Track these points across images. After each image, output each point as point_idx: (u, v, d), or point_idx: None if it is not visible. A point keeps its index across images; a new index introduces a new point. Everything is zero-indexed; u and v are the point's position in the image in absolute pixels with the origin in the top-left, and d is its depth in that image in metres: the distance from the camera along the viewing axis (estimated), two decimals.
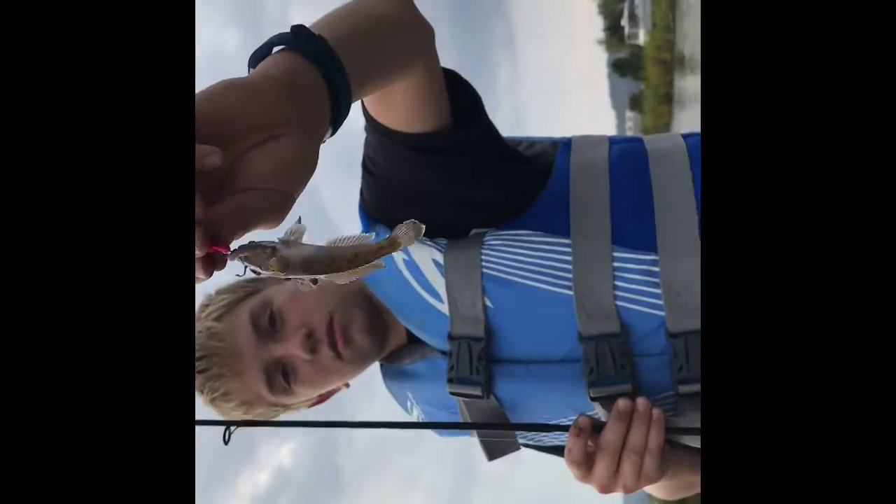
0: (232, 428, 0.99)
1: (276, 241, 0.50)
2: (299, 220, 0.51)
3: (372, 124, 0.89)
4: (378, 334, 1.08)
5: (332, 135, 0.57)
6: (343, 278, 0.51)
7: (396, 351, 1.13)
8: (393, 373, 1.15)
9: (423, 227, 0.53)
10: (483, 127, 0.95)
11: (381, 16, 0.71)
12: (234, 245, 0.49)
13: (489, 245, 0.96)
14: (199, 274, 0.49)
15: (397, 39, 0.75)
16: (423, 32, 0.80)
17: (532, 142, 1.07)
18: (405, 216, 0.95)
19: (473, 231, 0.99)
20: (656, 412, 0.90)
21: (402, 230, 0.53)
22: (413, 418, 1.16)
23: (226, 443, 1.01)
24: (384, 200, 0.99)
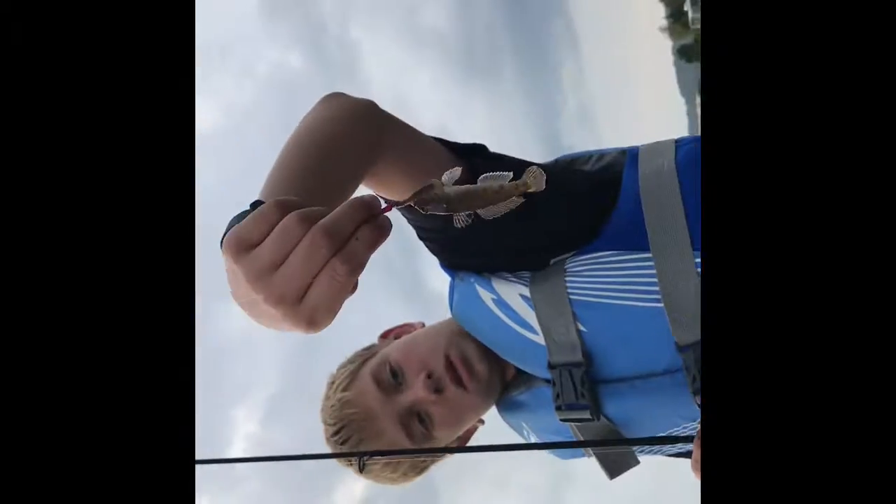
0: (365, 458, 1.04)
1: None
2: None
3: (391, 205, 0.93)
4: (495, 360, 1.11)
5: None
6: (490, 212, 0.59)
7: (510, 382, 1.16)
8: (506, 404, 1.17)
9: (542, 172, 0.58)
10: (505, 164, 0.98)
11: (323, 149, 0.76)
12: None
13: (572, 272, 0.98)
14: (379, 239, 0.52)
15: (345, 159, 0.78)
16: (364, 133, 0.83)
17: (601, 154, 1.09)
18: (481, 261, 1.04)
19: (553, 260, 1.01)
20: None
21: (532, 176, 0.59)
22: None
23: (361, 471, 1.08)
24: (453, 255, 1.04)
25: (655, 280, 0.93)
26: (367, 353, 1.16)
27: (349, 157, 0.79)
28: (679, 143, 1.04)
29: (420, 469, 1.17)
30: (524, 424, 1.16)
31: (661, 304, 0.93)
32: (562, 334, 0.99)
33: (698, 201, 0.94)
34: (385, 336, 1.22)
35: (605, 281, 0.96)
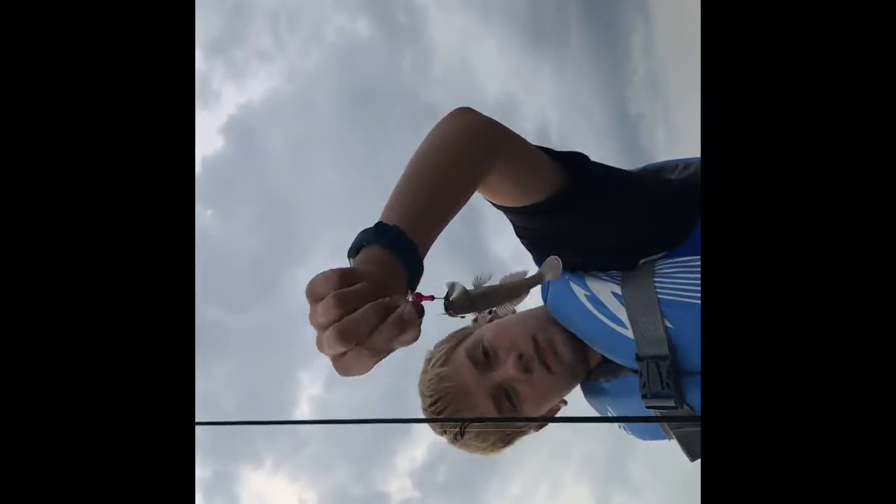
0: (464, 426, 1.20)
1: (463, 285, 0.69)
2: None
3: (497, 207, 1.07)
4: (579, 346, 1.22)
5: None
6: (507, 308, 0.69)
7: (594, 370, 1.27)
8: (592, 390, 1.28)
9: (560, 262, 0.71)
10: (600, 174, 1.10)
11: (442, 169, 0.87)
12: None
13: (660, 273, 1.08)
14: (411, 332, 0.61)
15: (461, 179, 0.89)
16: (481, 155, 0.93)
17: (687, 163, 1.21)
18: (574, 260, 1.14)
19: (642, 261, 1.12)
20: None
21: (546, 267, 0.69)
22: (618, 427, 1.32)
23: (459, 438, 1.22)
24: (550, 252, 1.07)
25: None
26: (462, 334, 1.27)
27: (465, 176, 0.89)
28: None
29: (507, 441, 1.28)
30: (609, 409, 1.26)
31: None
32: (650, 330, 1.09)
33: None
34: (478, 320, 1.32)
35: (691, 282, 1.05)
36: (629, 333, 1.12)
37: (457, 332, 1.30)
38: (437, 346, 1.28)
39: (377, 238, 0.72)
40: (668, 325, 1.08)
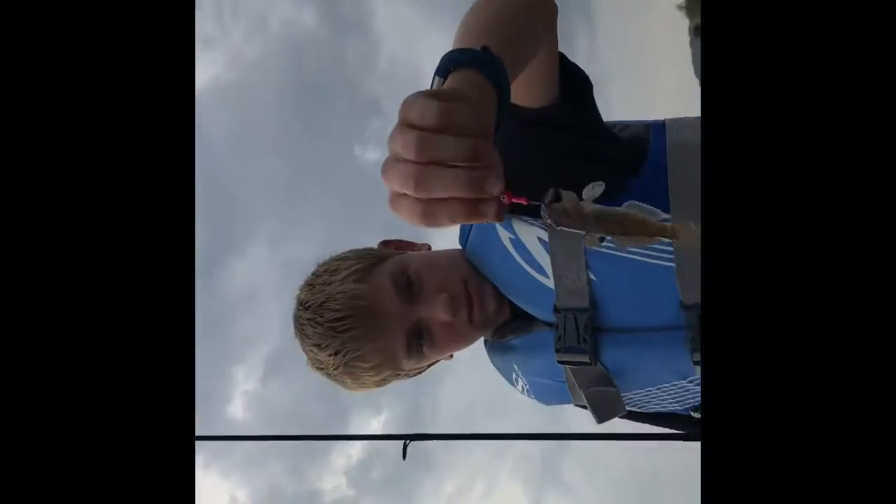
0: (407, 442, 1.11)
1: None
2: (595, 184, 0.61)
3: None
4: (502, 301, 1.14)
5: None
6: (626, 241, 0.59)
7: (501, 326, 1.18)
8: (498, 347, 1.21)
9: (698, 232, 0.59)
10: (592, 109, 1.03)
11: (519, 13, 0.82)
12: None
13: None
14: (493, 216, 0.57)
15: (534, 30, 0.83)
16: (551, 14, 0.88)
17: (626, 125, 1.13)
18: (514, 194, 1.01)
19: None
20: None
21: (688, 231, 0.59)
22: (517, 390, 1.24)
23: (404, 458, 1.13)
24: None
25: (670, 247, 0.97)
26: (375, 255, 1.15)
27: (532, 44, 0.83)
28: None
29: (397, 378, 1.18)
30: (515, 367, 1.20)
31: (672, 264, 0.98)
32: (573, 280, 1.03)
33: None
34: (385, 244, 1.22)
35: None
36: (550, 283, 1.06)
37: (363, 250, 1.18)
38: (337, 260, 1.15)
39: (474, 61, 0.66)
40: (592, 277, 1.02)
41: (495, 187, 0.56)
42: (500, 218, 0.57)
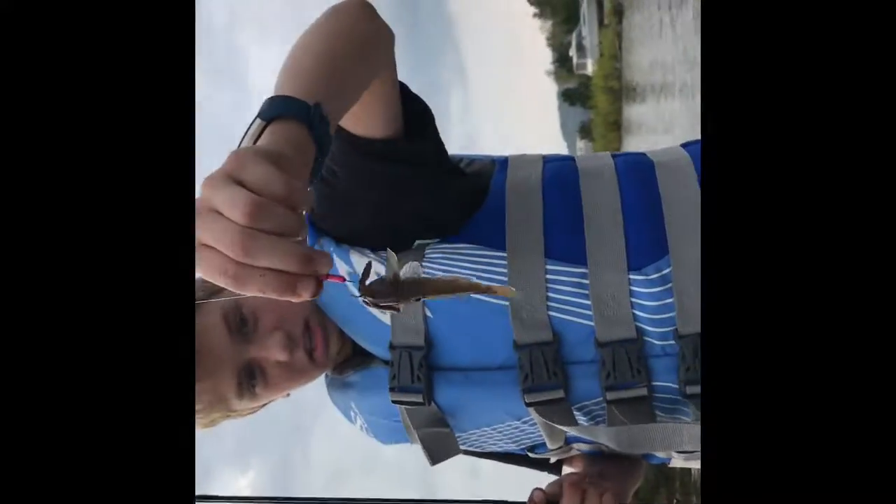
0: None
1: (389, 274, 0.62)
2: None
3: (337, 131, 0.91)
4: (345, 338, 1.10)
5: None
6: (434, 298, 0.62)
7: (341, 363, 1.15)
8: (337, 384, 1.17)
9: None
10: (435, 140, 1.00)
11: (353, 43, 0.79)
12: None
13: (430, 258, 0.99)
14: (311, 294, 0.56)
15: (371, 58, 0.81)
16: (386, 43, 0.85)
17: (472, 160, 1.12)
18: (353, 226, 1.01)
19: (417, 242, 1.02)
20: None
21: (506, 290, 0.64)
22: (356, 428, 1.20)
23: None
24: (335, 209, 1.00)
25: (506, 279, 0.97)
26: (211, 287, 1.05)
27: (368, 74, 0.80)
28: (547, 158, 1.11)
29: (227, 418, 1.11)
30: (352, 405, 1.16)
31: (507, 303, 0.97)
32: (409, 317, 1.00)
33: (559, 214, 1.01)
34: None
35: (460, 271, 0.97)
36: (386, 319, 1.02)
37: (202, 282, 1.03)
38: None
39: (304, 117, 0.64)
40: (429, 314, 1.00)
41: (325, 266, 0.55)
42: (316, 295, 0.56)
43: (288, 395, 1.14)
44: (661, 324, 0.94)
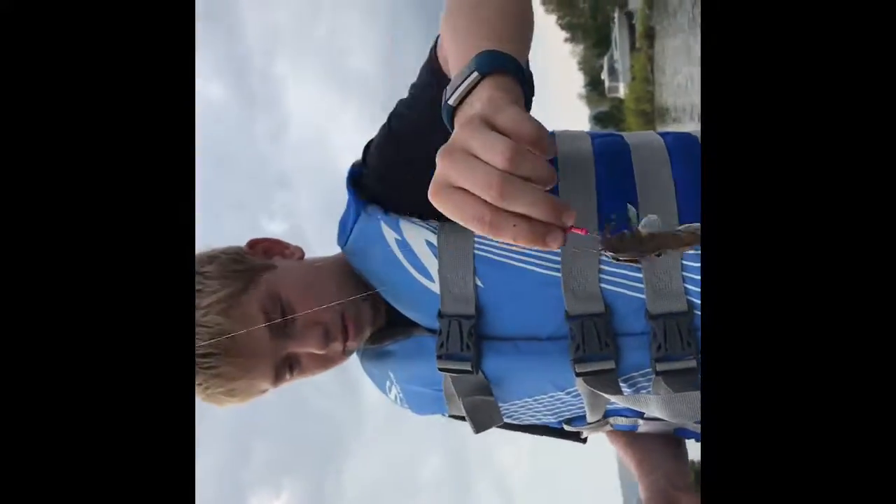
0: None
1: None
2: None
3: (434, 67, 0.95)
4: (381, 308, 1.12)
5: None
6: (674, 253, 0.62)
7: (377, 333, 1.15)
8: (373, 354, 1.18)
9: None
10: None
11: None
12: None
13: (479, 236, 1.00)
14: (557, 245, 0.57)
15: (531, 19, 0.83)
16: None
17: None
18: (400, 197, 1.04)
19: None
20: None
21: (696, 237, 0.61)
22: (391, 398, 1.21)
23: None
24: (392, 173, 1.03)
25: (559, 250, 0.95)
26: (244, 271, 1.06)
27: (530, 15, 0.83)
28: (593, 135, 1.11)
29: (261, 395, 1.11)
30: (390, 374, 1.16)
31: (558, 274, 0.98)
32: (459, 286, 1.01)
33: (611, 187, 1.01)
34: (253, 247, 1.14)
35: (512, 242, 0.97)
36: (435, 288, 1.02)
37: (228, 260, 1.07)
38: (200, 274, 1.02)
39: (512, 68, 0.67)
40: (479, 283, 1.01)
41: (571, 218, 0.57)
42: (562, 245, 0.57)
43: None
44: None
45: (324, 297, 1.06)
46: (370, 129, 1.14)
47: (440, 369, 1.05)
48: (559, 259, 0.98)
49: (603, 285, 0.97)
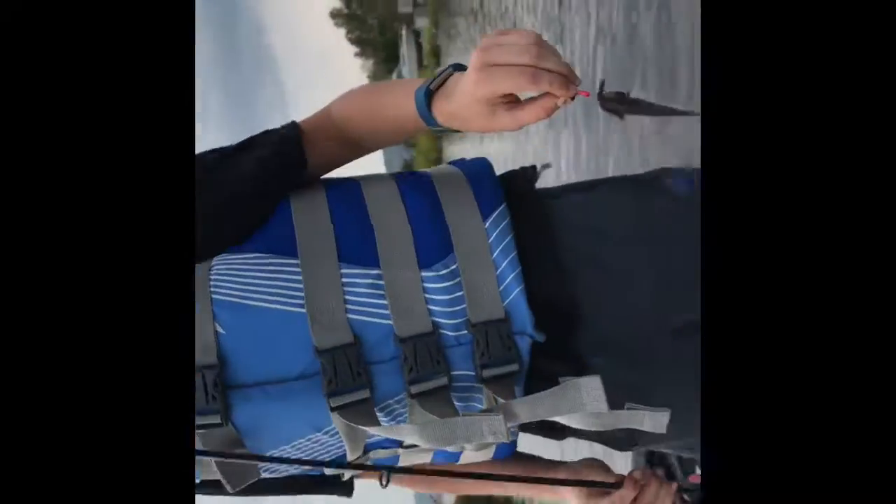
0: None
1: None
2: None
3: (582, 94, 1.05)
4: None
5: None
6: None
7: None
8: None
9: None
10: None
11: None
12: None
13: (217, 270, 0.98)
14: (572, 95, 0.80)
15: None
16: None
17: None
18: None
19: (215, 259, 1.00)
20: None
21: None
22: None
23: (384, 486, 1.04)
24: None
25: (301, 285, 0.97)
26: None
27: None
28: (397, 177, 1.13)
29: None
30: None
31: (303, 310, 0.96)
32: (200, 335, 0.95)
33: (347, 219, 1.02)
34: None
35: (250, 282, 0.96)
36: None
37: None
38: None
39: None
40: (220, 329, 0.95)
41: (579, 81, 0.79)
42: (573, 97, 0.80)
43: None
44: (453, 316, 0.97)
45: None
46: None
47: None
48: (302, 295, 0.96)
49: (350, 315, 0.97)
